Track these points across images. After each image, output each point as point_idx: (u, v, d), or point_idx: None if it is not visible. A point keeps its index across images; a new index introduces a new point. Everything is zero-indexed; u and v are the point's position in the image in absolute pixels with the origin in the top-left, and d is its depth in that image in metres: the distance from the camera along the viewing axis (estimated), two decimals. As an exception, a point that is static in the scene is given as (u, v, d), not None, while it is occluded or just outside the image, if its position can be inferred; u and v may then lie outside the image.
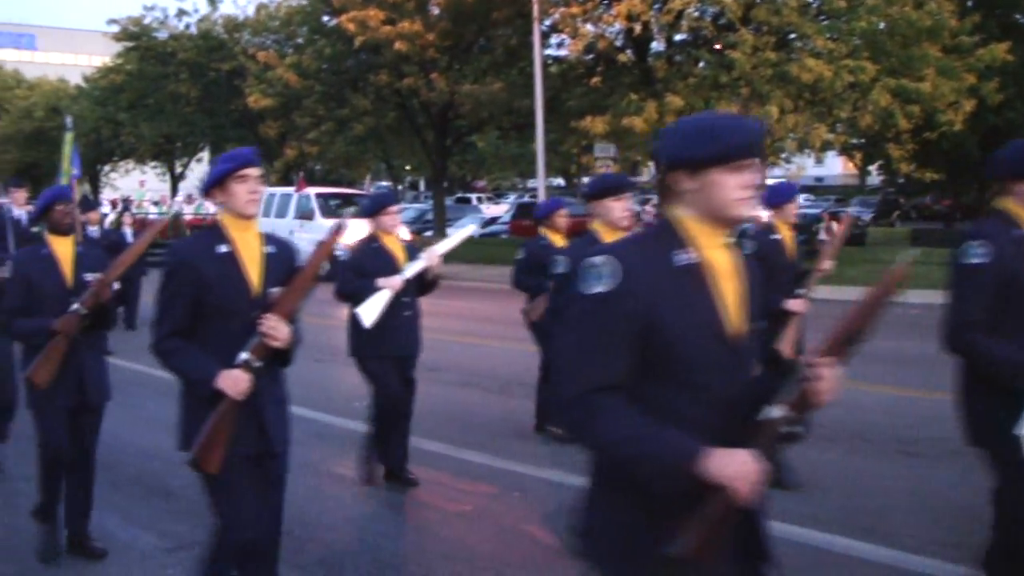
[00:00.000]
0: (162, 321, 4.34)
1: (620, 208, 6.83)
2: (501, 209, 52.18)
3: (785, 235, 7.36)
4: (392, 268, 7.39)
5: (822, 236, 27.54)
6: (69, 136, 14.53)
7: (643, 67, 29.62)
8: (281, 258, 4.54)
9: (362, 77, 38.58)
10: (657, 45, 30.63)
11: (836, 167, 79.65)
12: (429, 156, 41.52)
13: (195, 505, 7.17)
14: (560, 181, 70.86)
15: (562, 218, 9.17)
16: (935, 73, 25.83)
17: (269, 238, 4.56)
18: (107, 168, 64.65)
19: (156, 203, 48.47)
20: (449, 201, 50.21)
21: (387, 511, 7.22)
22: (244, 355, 4.24)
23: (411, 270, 7.41)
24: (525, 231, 36.25)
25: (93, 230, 14.10)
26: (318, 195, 29.14)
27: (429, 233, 39.14)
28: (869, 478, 7.79)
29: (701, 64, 28.20)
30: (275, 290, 4.38)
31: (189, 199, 48.32)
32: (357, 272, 7.43)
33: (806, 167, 74.32)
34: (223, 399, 4.20)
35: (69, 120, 15.21)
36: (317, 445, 8.91)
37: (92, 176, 59.13)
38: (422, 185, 79.10)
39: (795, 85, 25.63)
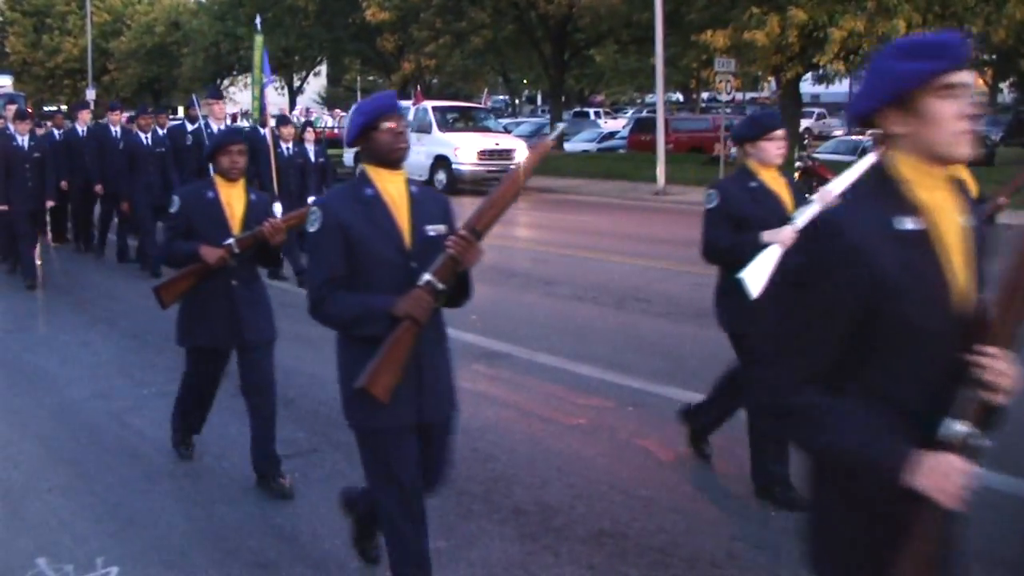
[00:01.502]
0: (794, 352, 2.42)
1: None
2: (619, 124, 51.65)
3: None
4: (777, 215, 5.47)
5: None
6: (259, 40, 13.69)
7: (766, -21, 28.92)
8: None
9: (480, -10, 38.41)
10: (781, -44, 29.87)
11: (965, 83, 77.33)
12: (547, 70, 41.34)
13: (312, 413, 7.29)
14: (679, 96, 69.87)
15: None
16: (1077, -17, 24.78)
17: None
18: (226, 82, 65.47)
19: (275, 117, 49.00)
20: (567, 115, 49.97)
21: (501, 423, 7.21)
22: (958, 426, 2.32)
23: (805, 218, 5.10)
24: (643, 146, 35.96)
25: (287, 147, 12.93)
26: (435, 108, 29.16)
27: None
28: None
29: (827, -24, 27.37)
30: (987, 297, 2.44)
31: (306, 113, 48.60)
32: (733, 221, 5.54)
33: (933, 83, 72.60)
34: (922, 506, 2.33)
35: (259, 22, 14.37)
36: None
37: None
38: (539, 99, 78.74)
39: (925, -2, 24.79)
